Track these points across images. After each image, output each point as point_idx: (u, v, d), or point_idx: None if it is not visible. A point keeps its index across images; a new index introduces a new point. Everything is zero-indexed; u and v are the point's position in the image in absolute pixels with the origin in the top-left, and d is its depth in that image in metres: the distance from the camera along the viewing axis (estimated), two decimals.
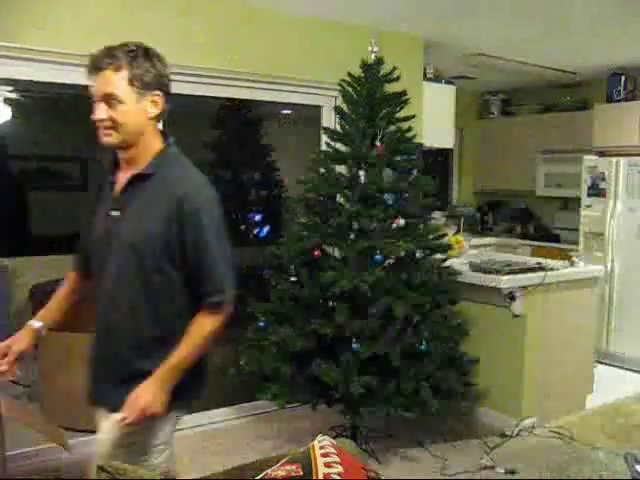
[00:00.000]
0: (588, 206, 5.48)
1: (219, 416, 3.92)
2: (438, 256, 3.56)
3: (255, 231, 6.02)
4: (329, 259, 3.44)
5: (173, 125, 3.66)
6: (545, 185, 6.38)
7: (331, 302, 3.25)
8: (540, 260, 4.18)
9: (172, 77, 3.61)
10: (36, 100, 4.85)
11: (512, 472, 3.22)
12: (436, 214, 4.36)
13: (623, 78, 5.53)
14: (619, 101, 5.55)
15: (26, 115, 4.97)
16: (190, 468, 3.28)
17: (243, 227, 6.04)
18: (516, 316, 3.74)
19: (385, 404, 3.22)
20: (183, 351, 1.78)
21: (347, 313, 3.17)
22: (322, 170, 3.49)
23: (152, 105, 1.87)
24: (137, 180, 1.83)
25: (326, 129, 3.71)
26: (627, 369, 5.10)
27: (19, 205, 5.41)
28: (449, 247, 3.72)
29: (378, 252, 3.25)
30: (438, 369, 3.33)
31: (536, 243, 6.21)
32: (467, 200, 7.23)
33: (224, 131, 5.89)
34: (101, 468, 1.49)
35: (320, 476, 1.35)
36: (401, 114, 3.54)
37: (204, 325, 1.81)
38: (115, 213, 1.84)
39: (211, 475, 2.68)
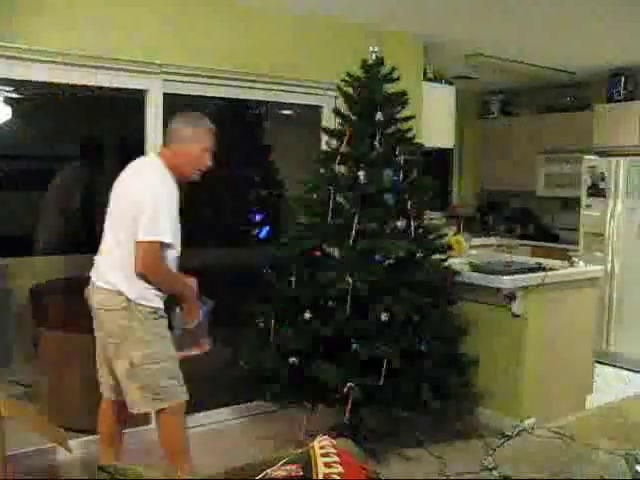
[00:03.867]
0: (588, 206, 5.48)
1: (219, 416, 3.92)
2: (438, 256, 3.56)
3: (255, 232, 6.03)
4: (329, 259, 3.44)
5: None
6: (545, 185, 6.38)
7: (331, 302, 3.25)
8: (540, 260, 4.18)
9: (171, 77, 3.63)
10: (36, 100, 4.85)
11: (505, 478, 3.22)
12: (436, 214, 4.36)
13: (623, 78, 5.54)
14: (619, 101, 5.55)
15: (26, 115, 4.97)
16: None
17: (243, 227, 6.05)
18: (516, 316, 3.74)
19: (385, 404, 3.22)
20: None
21: (347, 313, 3.17)
22: (322, 170, 3.49)
23: None
24: None
25: (326, 129, 3.71)
26: (627, 369, 5.10)
27: (19, 205, 5.40)
28: (449, 247, 3.73)
29: (378, 252, 3.25)
30: (438, 369, 3.33)
31: (536, 243, 6.21)
32: (467, 200, 7.23)
33: (224, 131, 5.88)
34: (101, 468, 1.49)
35: (320, 476, 1.36)
36: (401, 114, 3.54)
37: None
38: None
39: (211, 475, 2.68)
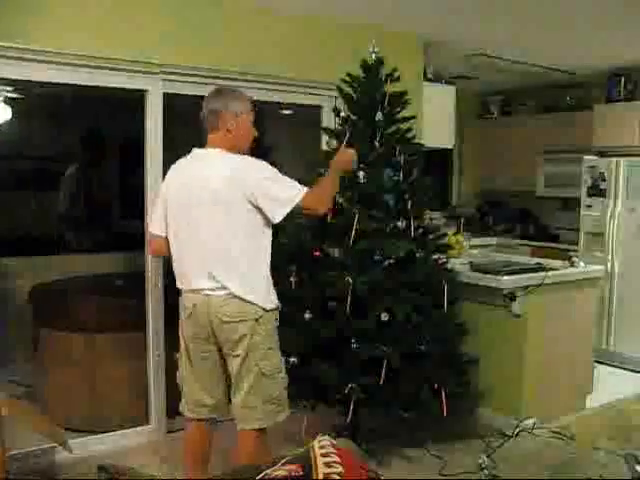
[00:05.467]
0: (588, 206, 5.48)
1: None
2: (438, 256, 3.56)
3: None
4: (329, 259, 3.44)
5: (173, 125, 3.67)
6: (545, 185, 6.38)
7: (331, 302, 3.25)
8: (540, 260, 4.18)
9: (171, 77, 3.62)
10: (36, 100, 4.85)
11: (494, 477, 3.23)
12: (436, 214, 4.36)
13: (623, 78, 5.53)
14: (619, 101, 5.55)
15: (26, 115, 4.97)
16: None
17: None
18: (516, 316, 3.74)
19: (385, 405, 3.22)
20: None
21: (347, 313, 3.17)
22: (322, 170, 3.49)
23: None
24: None
25: (326, 129, 3.71)
26: (627, 369, 5.10)
27: (19, 205, 5.41)
28: (449, 247, 3.72)
29: (378, 252, 3.25)
30: (438, 369, 3.33)
31: (536, 243, 6.20)
32: (467, 200, 7.23)
33: None
34: (101, 468, 1.49)
35: (320, 476, 1.36)
36: (401, 114, 3.54)
37: None
38: None
39: (211, 475, 2.68)
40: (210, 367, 2.71)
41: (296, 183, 2.64)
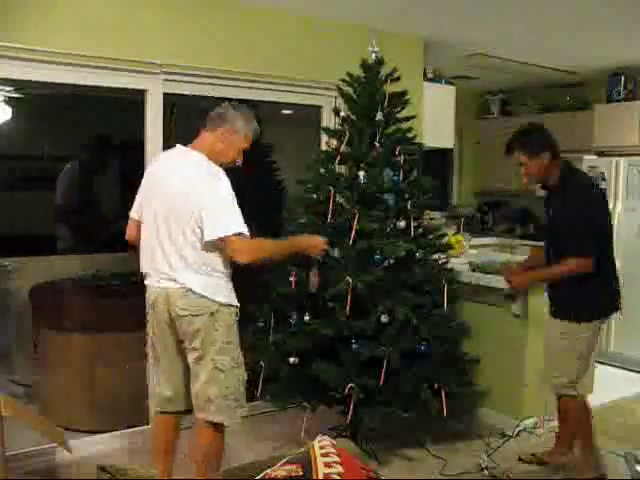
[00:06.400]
0: None
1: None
2: (438, 256, 3.56)
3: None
4: (329, 259, 3.44)
5: (173, 125, 3.67)
6: None
7: (331, 302, 3.25)
8: None
9: (171, 77, 3.62)
10: (36, 100, 4.85)
11: (495, 477, 3.23)
12: (436, 214, 4.36)
13: (623, 78, 5.54)
14: (619, 101, 5.55)
15: (26, 115, 4.97)
16: (190, 468, 3.28)
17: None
18: (516, 316, 3.74)
19: (385, 405, 3.22)
20: None
21: (347, 313, 3.16)
22: (322, 170, 3.49)
23: None
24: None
25: (326, 129, 3.71)
26: (627, 369, 5.10)
27: (19, 205, 5.40)
28: (449, 247, 3.72)
29: (378, 252, 3.25)
30: (438, 369, 3.33)
31: (536, 243, 6.19)
32: (467, 200, 7.23)
33: None
34: (101, 468, 1.49)
35: (320, 476, 1.35)
36: (401, 114, 3.54)
37: None
38: None
39: (211, 475, 2.68)
40: (170, 358, 2.78)
41: (241, 221, 2.60)
